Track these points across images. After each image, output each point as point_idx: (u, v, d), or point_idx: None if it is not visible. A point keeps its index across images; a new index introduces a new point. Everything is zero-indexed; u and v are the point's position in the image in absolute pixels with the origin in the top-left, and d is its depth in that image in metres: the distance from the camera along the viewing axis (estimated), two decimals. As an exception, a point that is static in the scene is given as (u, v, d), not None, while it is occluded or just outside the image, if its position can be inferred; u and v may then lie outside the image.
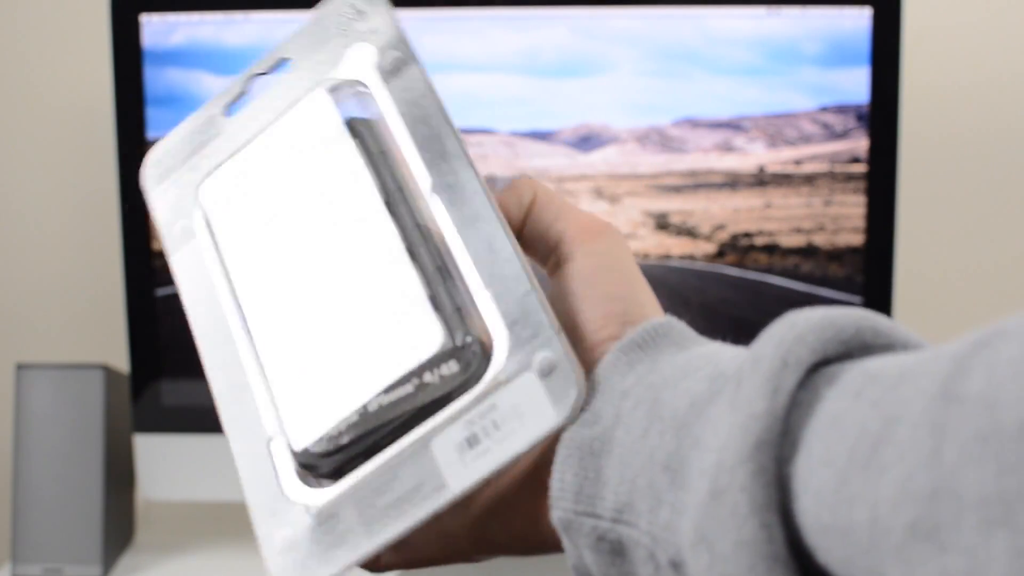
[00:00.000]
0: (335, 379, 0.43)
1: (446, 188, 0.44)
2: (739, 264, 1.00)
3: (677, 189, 0.99)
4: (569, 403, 0.40)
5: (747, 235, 1.00)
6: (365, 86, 0.47)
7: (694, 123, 0.99)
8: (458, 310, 0.42)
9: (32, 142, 1.22)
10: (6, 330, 1.24)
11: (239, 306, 0.46)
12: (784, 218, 0.99)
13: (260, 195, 0.47)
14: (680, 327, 0.41)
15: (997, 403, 0.27)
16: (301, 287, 0.45)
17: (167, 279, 1.00)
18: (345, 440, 0.42)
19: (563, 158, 0.99)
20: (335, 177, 0.46)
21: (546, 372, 0.40)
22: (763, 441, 0.33)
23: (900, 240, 1.03)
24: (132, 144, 0.99)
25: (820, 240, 0.99)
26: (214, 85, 0.98)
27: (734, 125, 0.99)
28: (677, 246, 1.00)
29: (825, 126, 0.99)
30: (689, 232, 1.00)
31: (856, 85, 0.97)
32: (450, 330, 0.42)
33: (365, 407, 0.42)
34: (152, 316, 1.01)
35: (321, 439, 0.42)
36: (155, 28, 0.98)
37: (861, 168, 0.98)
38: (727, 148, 0.99)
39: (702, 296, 1.00)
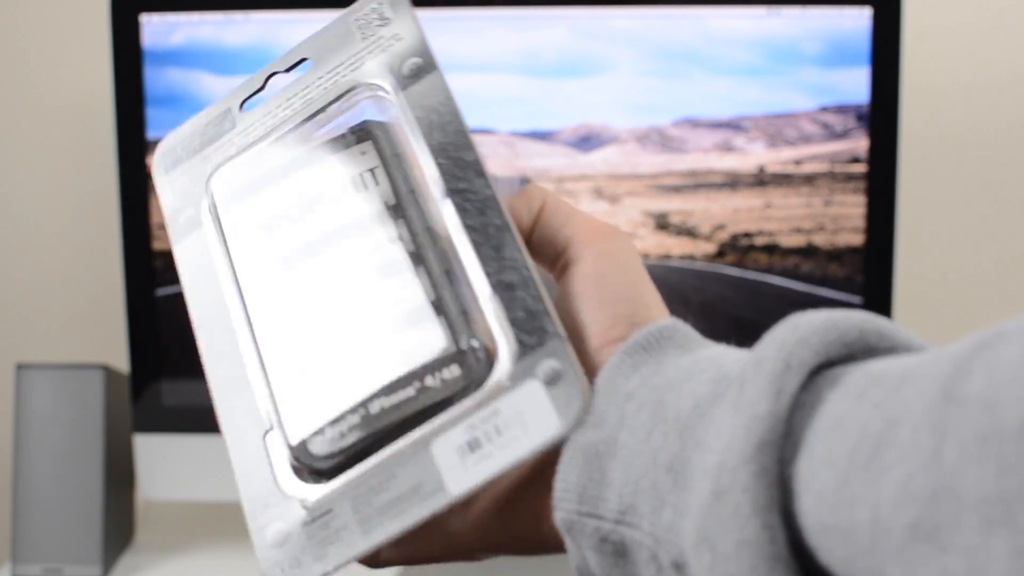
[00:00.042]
0: (336, 377, 0.43)
1: (458, 193, 0.44)
2: (739, 264, 1.00)
3: (677, 189, 0.99)
4: (573, 413, 0.40)
5: (747, 235, 1.00)
6: (384, 90, 0.47)
7: (694, 123, 0.99)
8: (463, 314, 0.42)
9: (32, 142, 1.22)
10: (6, 330, 1.24)
11: (242, 298, 0.46)
12: (784, 218, 0.99)
13: (270, 189, 0.47)
14: (685, 329, 0.41)
15: (997, 404, 0.27)
16: (305, 284, 0.45)
17: (167, 279, 1.00)
18: (348, 442, 0.42)
19: (563, 158, 0.99)
20: (347, 176, 0.46)
21: (551, 381, 0.40)
22: (765, 442, 0.33)
23: (900, 240, 1.03)
24: (132, 144, 0.99)
25: (820, 240, 0.99)
26: (214, 85, 0.98)
27: (734, 125, 0.99)
28: (677, 246, 1.00)
29: (825, 126, 0.99)
30: (689, 232, 1.00)
31: (856, 85, 0.97)
32: (453, 334, 0.42)
33: (367, 409, 0.42)
34: (152, 316, 1.01)
35: (324, 439, 0.42)
36: (155, 28, 0.98)
37: (861, 168, 0.98)
38: (727, 148, 0.99)
39: (702, 296, 1.00)
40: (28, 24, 1.20)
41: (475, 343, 0.42)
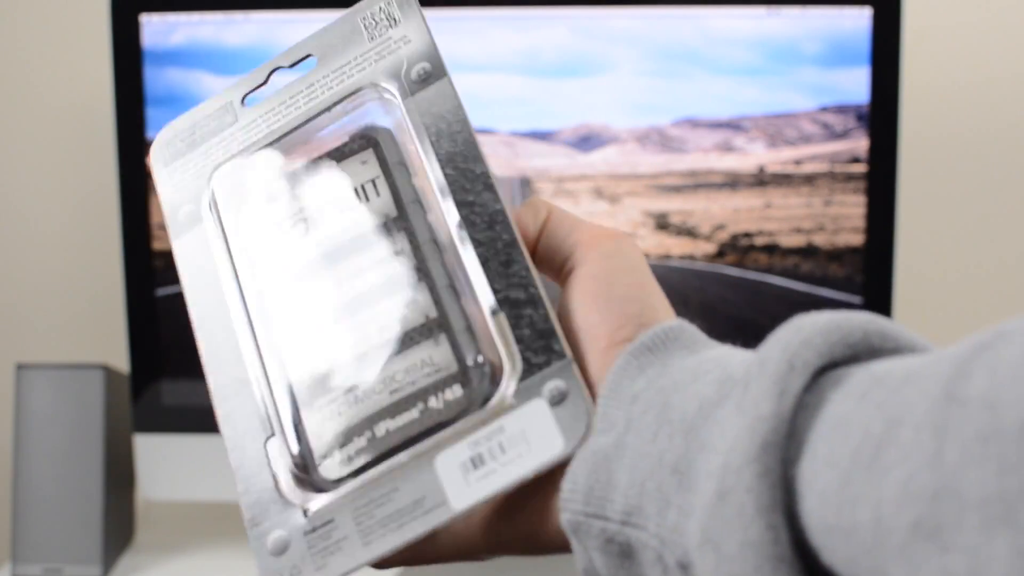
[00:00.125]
0: (340, 396, 0.42)
1: (466, 206, 0.44)
2: (739, 264, 1.00)
3: (677, 189, 0.99)
4: (578, 434, 0.40)
5: (747, 235, 1.00)
6: (391, 93, 0.47)
7: (694, 123, 0.99)
8: (467, 331, 0.42)
9: (32, 142, 1.22)
10: (6, 330, 1.24)
11: (244, 301, 0.45)
12: (784, 218, 1.00)
13: (273, 198, 0.46)
14: (691, 330, 0.41)
15: (998, 404, 0.27)
16: (308, 292, 0.44)
17: (167, 279, 1.00)
18: (355, 465, 0.41)
19: (563, 158, 0.99)
20: (348, 188, 0.45)
21: (557, 401, 0.40)
22: (769, 443, 0.33)
23: (900, 240, 1.03)
24: (132, 144, 0.99)
25: (820, 240, 0.99)
26: (214, 85, 0.98)
27: (734, 125, 0.99)
28: (677, 246, 1.00)
29: (825, 126, 0.99)
30: (689, 232, 1.00)
31: (856, 85, 0.97)
32: (456, 353, 0.42)
33: (373, 432, 0.42)
34: (152, 316, 1.01)
35: (333, 463, 0.42)
36: (155, 28, 0.98)
37: (861, 168, 0.98)
38: (727, 148, 0.99)
39: (702, 296, 1.00)
40: (28, 24, 1.20)
41: (479, 360, 0.42)
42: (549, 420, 0.40)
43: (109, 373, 1.02)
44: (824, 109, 0.98)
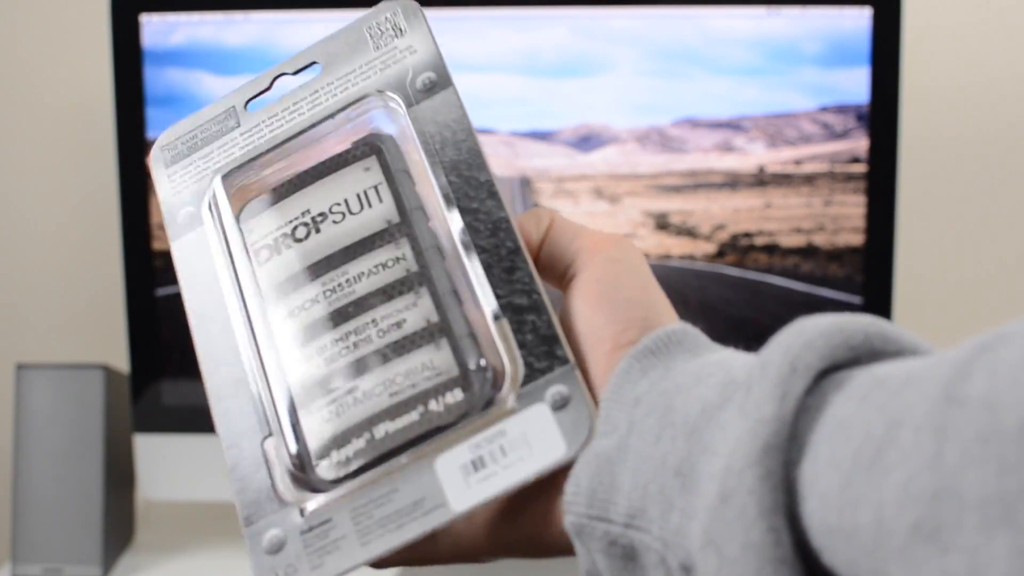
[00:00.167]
0: (339, 398, 0.42)
1: (469, 213, 0.44)
2: (739, 264, 1.00)
3: (677, 189, 0.99)
4: (580, 439, 0.40)
5: (747, 235, 1.00)
6: (396, 101, 0.47)
7: (694, 123, 0.99)
8: (469, 336, 0.42)
9: (32, 142, 1.22)
10: (6, 330, 1.24)
11: (244, 302, 0.45)
12: (784, 218, 1.00)
13: (275, 203, 0.46)
14: (694, 334, 0.41)
15: (998, 405, 0.28)
16: (308, 294, 0.44)
17: (167, 279, 1.00)
18: (353, 467, 0.41)
19: (563, 158, 0.99)
20: (351, 194, 0.45)
21: (559, 406, 0.41)
22: (771, 445, 0.33)
23: (900, 240, 1.03)
24: (132, 144, 0.99)
25: (820, 240, 0.99)
26: (214, 85, 0.98)
27: (734, 125, 0.99)
28: (677, 246, 1.00)
29: (825, 126, 0.99)
30: (689, 232, 1.00)
31: (856, 85, 0.97)
32: (457, 357, 0.42)
33: (372, 434, 0.42)
34: (152, 316, 1.01)
35: (330, 464, 0.42)
36: (155, 28, 0.98)
37: (861, 168, 0.98)
38: (727, 148, 0.99)
39: (702, 296, 1.00)
40: (28, 24, 1.20)
41: (480, 364, 0.42)
42: (551, 424, 0.40)
43: (109, 373, 1.02)
44: (824, 109, 0.98)
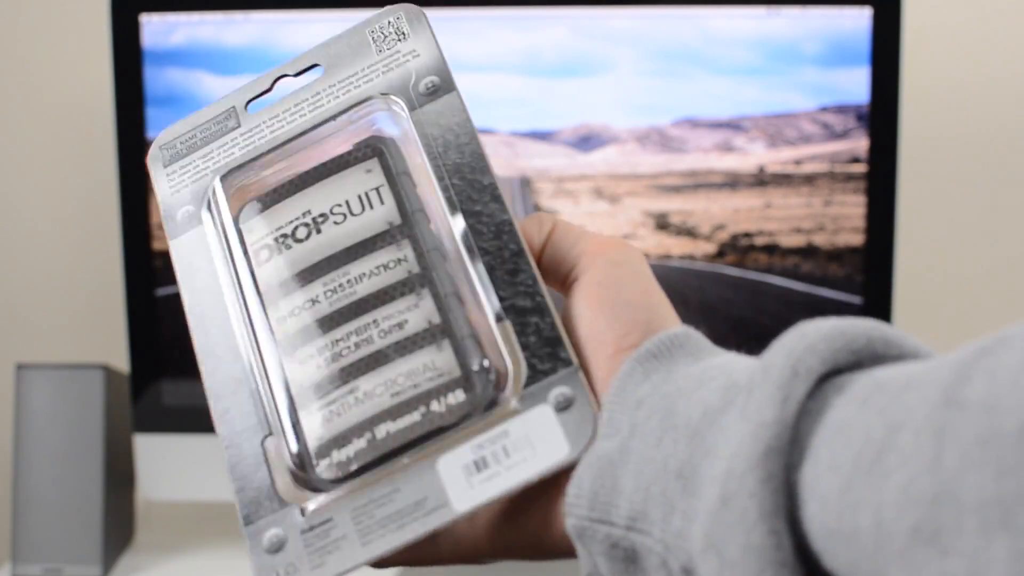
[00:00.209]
0: (341, 398, 0.42)
1: (472, 215, 0.44)
2: (739, 264, 1.00)
3: (677, 189, 0.99)
4: (583, 440, 0.40)
5: (747, 235, 1.00)
6: (399, 104, 0.47)
7: (694, 123, 0.99)
8: (471, 338, 0.42)
9: (32, 142, 1.22)
10: (6, 330, 1.24)
11: (244, 303, 0.45)
12: (784, 218, 1.00)
13: (276, 203, 0.46)
14: (696, 337, 0.41)
15: (997, 408, 0.28)
16: (309, 294, 0.44)
17: (167, 279, 1.00)
18: (354, 467, 0.41)
19: (563, 158, 0.99)
20: (352, 195, 0.45)
21: (562, 407, 0.41)
22: (772, 448, 0.33)
23: (900, 240, 1.03)
24: (132, 144, 0.99)
25: (820, 240, 0.99)
26: (214, 85, 0.98)
27: (734, 125, 0.99)
28: (677, 246, 1.00)
29: (825, 126, 0.99)
30: (689, 232, 1.00)
31: (856, 85, 0.97)
32: (459, 358, 0.42)
33: (374, 434, 0.42)
34: (152, 316, 1.01)
35: (330, 463, 0.42)
36: (155, 28, 0.98)
37: (861, 168, 0.98)
38: (727, 148, 0.99)
39: (702, 296, 1.00)
40: (28, 24, 1.20)
41: (484, 365, 0.42)
42: (555, 426, 0.40)
43: (109, 373, 1.02)
44: (824, 109, 0.98)
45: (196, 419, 1.01)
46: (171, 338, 1.01)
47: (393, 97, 0.47)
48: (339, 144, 0.47)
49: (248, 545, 0.42)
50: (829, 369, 0.35)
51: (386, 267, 0.44)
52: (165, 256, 0.99)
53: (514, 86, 0.98)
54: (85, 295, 1.23)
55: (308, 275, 0.45)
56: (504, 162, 0.99)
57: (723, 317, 1.00)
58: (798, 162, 0.99)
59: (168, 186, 0.49)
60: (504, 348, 0.42)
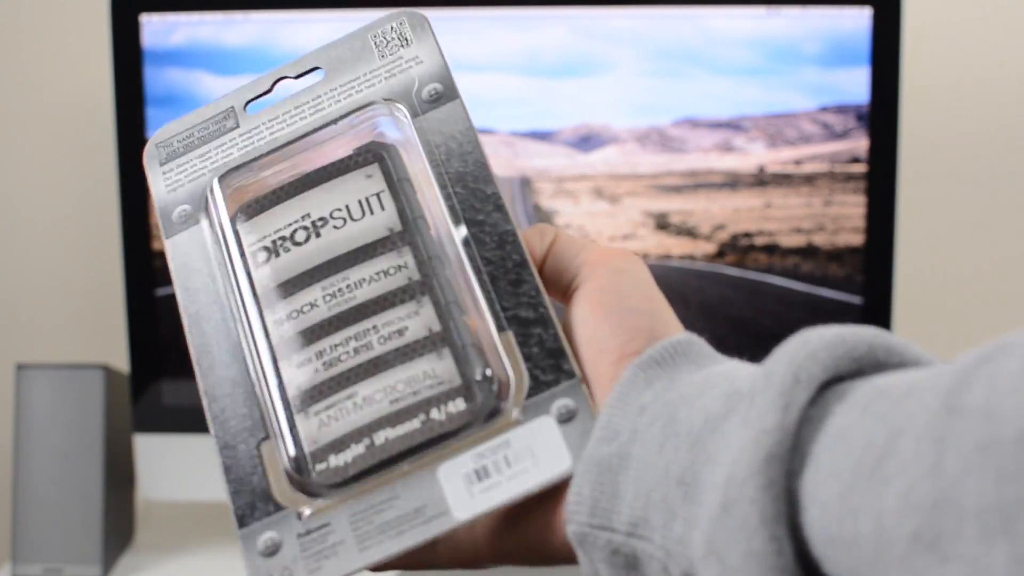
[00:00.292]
0: (340, 404, 0.42)
1: (475, 224, 0.44)
2: (739, 264, 1.00)
3: (677, 189, 0.99)
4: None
5: (747, 235, 1.00)
6: (401, 110, 0.47)
7: (694, 123, 0.99)
8: (472, 346, 0.42)
9: (32, 142, 1.22)
10: (6, 330, 1.24)
11: (242, 304, 0.45)
12: (784, 218, 1.00)
13: (274, 206, 0.46)
14: (699, 344, 0.41)
15: (997, 415, 0.28)
16: (308, 301, 0.44)
17: (167, 279, 1.00)
18: (351, 472, 0.41)
19: (563, 158, 0.99)
20: (352, 200, 0.45)
21: (565, 419, 0.41)
22: (773, 455, 0.33)
23: (900, 240, 1.03)
24: (132, 144, 0.99)
25: (820, 240, 0.99)
26: (214, 85, 0.98)
27: (734, 125, 0.99)
28: (677, 246, 1.00)
29: (825, 126, 0.99)
30: (689, 232, 1.00)
31: (856, 85, 0.97)
32: (459, 367, 0.42)
33: (372, 440, 0.41)
34: (152, 316, 1.01)
35: (327, 468, 0.41)
36: (155, 28, 0.98)
37: (861, 168, 0.98)
38: (727, 148, 0.99)
39: (702, 296, 1.00)
40: (28, 24, 1.20)
41: (486, 374, 0.42)
42: (557, 437, 0.40)
43: (109, 373, 1.02)
44: (824, 109, 0.98)
45: (196, 419, 1.00)
46: (171, 338, 1.01)
47: (395, 103, 0.47)
48: (340, 148, 0.47)
49: (242, 548, 0.41)
50: (831, 376, 0.35)
51: (386, 273, 0.44)
52: (165, 256, 0.99)
53: (514, 86, 0.98)
54: (85, 295, 1.23)
55: (306, 279, 0.44)
56: (504, 162, 0.99)
57: (723, 317, 1.00)
58: (798, 162, 0.99)
59: (164, 185, 0.48)
60: (506, 358, 0.42)
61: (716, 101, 0.98)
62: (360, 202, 0.45)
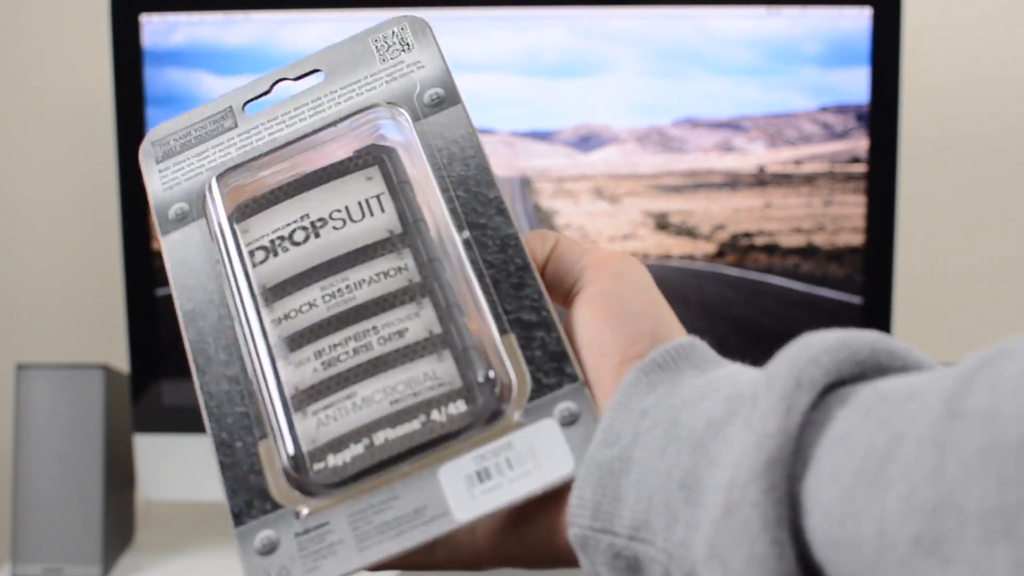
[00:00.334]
0: (339, 403, 0.42)
1: (477, 228, 0.44)
2: (739, 264, 1.00)
3: (677, 189, 0.99)
4: None
5: (747, 235, 1.00)
6: (402, 114, 0.47)
7: (694, 123, 0.99)
8: (474, 349, 0.42)
9: (32, 142, 1.22)
10: (6, 330, 1.24)
11: (240, 302, 0.45)
12: (784, 218, 1.00)
13: (274, 206, 0.46)
14: (702, 348, 0.41)
15: (998, 418, 0.28)
16: (307, 300, 0.44)
17: (167, 279, 1.00)
18: (350, 472, 0.41)
19: (563, 158, 0.99)
20: (352, 201, 0.45)
21: (568, 422, 0.41)
22: (775, 459, 0.33)
23: (900, 240, 1.03)
24: (132, 144, 0.99)
25: (820, 240, 0.99)
26: (214, 85, 0.98)
27: (734, 125, 0.99)
28: (677, 246, 1.00)
29: (825, 126, 0.99)
30: (689, 232, 1.00)
31: (856, 85, 0.97)
32: (460, 369, 0.42)
33: (372, 440, 0.41)
34: (152, 316, 1.01)
35: (326, 468, 0.41)
36: (155, 28, 0.98)
37: (861, 168, 0.98)
38: (727, 148, 0.99)
39: (702, 296, 1.00)
40: (28, 24, 1.20)
41: (489, 376, 0.42)
42: (560, 440, 0.40)
43: (109, 373, 1.02)
44: (824, 109, 0.98)
45: (196, 419, 1.00)
46: (171, 338, 1.01)
47: (397, 106, 0.47)
48: (340, 150, 0.47)
49: (238, 546, 0.41)
50: (833, 380, 0.35)
51: (386, 274, 0.44)
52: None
53: (514, 86, 0.98)
54: (85, 295, 1.23)
55: (305, 279, 0.44)
56: (504, 162, 0.99)
57: (723, 317, 1.00)
58: (798, 162, 0.99)
59: (160, 182, 0.48)
60: (508, 361, 0.42)
61: (716, 101, 0.98)
62: (360, 204, 0.45)
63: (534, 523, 0.42)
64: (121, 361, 1.11)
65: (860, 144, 0.98)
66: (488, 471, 0.40)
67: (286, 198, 0.46)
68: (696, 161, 0.99)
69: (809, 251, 0.99)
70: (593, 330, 0.42)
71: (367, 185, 0.45)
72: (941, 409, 0.30)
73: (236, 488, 0.42)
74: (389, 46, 0.48)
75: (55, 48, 1.20)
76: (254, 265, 0.45)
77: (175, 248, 0.47)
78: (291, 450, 0.42)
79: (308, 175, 0.46)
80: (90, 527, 1.00)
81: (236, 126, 0.48)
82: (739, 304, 1.00)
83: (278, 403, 0.43)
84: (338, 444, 0.42)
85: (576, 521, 0.39)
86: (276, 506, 0.41)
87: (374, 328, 0.43)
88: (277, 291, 0.44)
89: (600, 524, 0.38)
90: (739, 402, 0.37)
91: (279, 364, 0.43)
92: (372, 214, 0.45)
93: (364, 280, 0.44)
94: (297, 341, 0.44)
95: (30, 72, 1.21)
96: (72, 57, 1.20)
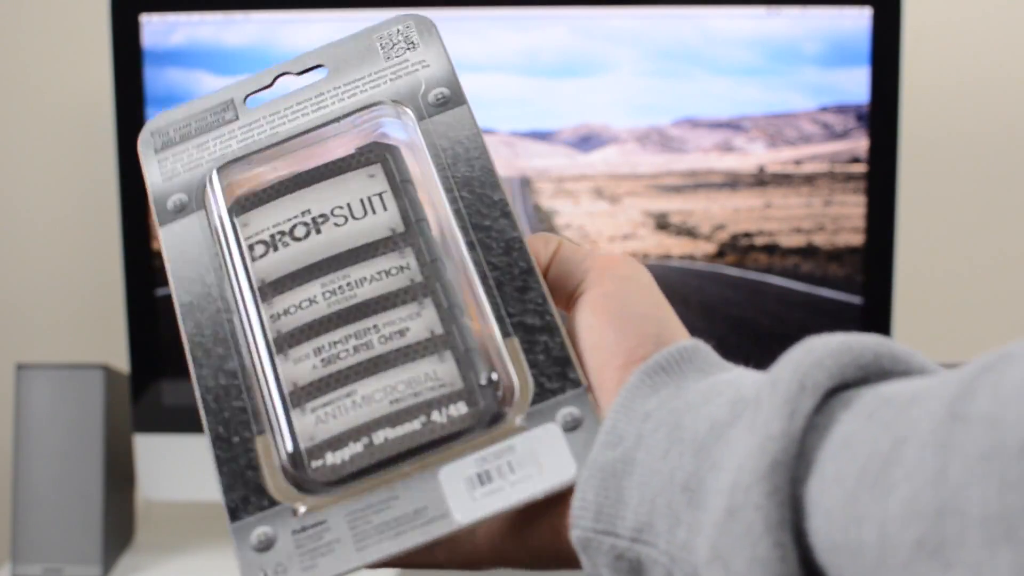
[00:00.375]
0: (339, 401, 0.42)
1: (481, 230, 0.44)
2: (739, 264, 1.00)
3: (677, 189, 0.99)
4: None
5: (747, 235, 1.00)
6: (406, 112, 0.47)
7: (694, 123, 0.99)
8: (475, 351, 0.42)
9: (32, 142, 1.22)
10: (6, 330, 1.24)
11: (240, 296, 0.45)
12: (784, 218, 1.00)
13: (275, 201, 0.46)
14: (705, 351, 0.41)
15: (1001, 423, 0.28)
16: (306, 296, 0.44)
17: (167, 279, 1.00)
18: (349, 470, 0.41)
19: (563, 158, 0.99)
20: (354, 199, 0.45)
21: (570, 427, 0.40)
22: (778, 462, 0.33)
23: (900, 240, 1.03)
24: (132, 144, 0.98)
25: (820, 240, 0.99)
26: (214, 85, 0.98)
27: (734, 125, 0.99)
28: (677, 246, 1.00)
29: (825, 126, 0.99)
30: (689, 232, 1.00)
31: (856, 85, 0.97)
32: (462, 370, 0.42)
33: (371, 439, 0.41)
34: (152, 316, 1.01)
35: (325, 466, 0.41)
36: (155, 28, 0.98)
37: (861, 168, 0.98)
38: (727, 148, 0.99)
39: (702, 296, 1.00)
40: (28, 24, 1.20)
41: (492, 378, 0.41)
42: (562, 444, 0.40)
43: (109, 373, 1.02)
44: (824, 109, 0.98)
45: (196, 419, 1.00)
46: (171, 338, 1.01)
47: (399, 103, 0.47)
48: (342, 146, 0.47)
49: (234, 542, 0.41)
50: (836, 384, 0.35)
51: (388, 273, 0.44)
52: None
53: (514, 86, 0.98)
54: (85, 295, 1.23)
55: (306, 274, 0.44)
56: (504, 162, 0.99)
57: (723, 317, 1.00)
58: (798, 162, 0.99)
59: (159, 173, 0.48)
60: (511, 364, 0.42)
61: (716, 101, 0.98)
62: (362, 201, 0.45)
63: (536, 524, 0.41)
64: (121, 361, 1.11)
65: (860, 144, 0.98)
66: (489, 474, 0.40)
67: (287, 193, 0.46)
68: (696, 161, 0.99)
69: (809, 251, 0.99)
70: (597, 332, 0.42)
71: (369, 183, 0.45)
72: (944, 413, 0.30)
73: (232, 483, 0.42)
74: (394, 44, 0.48)
75: (55, 48, 1.20)
76: (254, 259, 0.45)
77: (174, 239, 0.47)
78: (289, 447, 0.42)
79: (310, 170, 0.46)
80: (90, 527, 1.00)
81: (237, 118, 0.48)
82: (739, 304, 1.00)
83: (276, 399, 0.43)
84: (337, 442, 0.41)
85: (578, 523, 0.39)
86: (273, 503, 0.41)
87: (375, 327, 0.43)
88: (277, 286, 0.44)
89: (602, 526, 0.38)
90: (742, 405, 0.37)
91: (277, 360, 0.43)
92: (374, 212, 0.45)
93: (365, 278, 0.44)
94: (296, 337, 0.43)
95: (30, 72, 1.21)
96: (72, 57, 1.20)
